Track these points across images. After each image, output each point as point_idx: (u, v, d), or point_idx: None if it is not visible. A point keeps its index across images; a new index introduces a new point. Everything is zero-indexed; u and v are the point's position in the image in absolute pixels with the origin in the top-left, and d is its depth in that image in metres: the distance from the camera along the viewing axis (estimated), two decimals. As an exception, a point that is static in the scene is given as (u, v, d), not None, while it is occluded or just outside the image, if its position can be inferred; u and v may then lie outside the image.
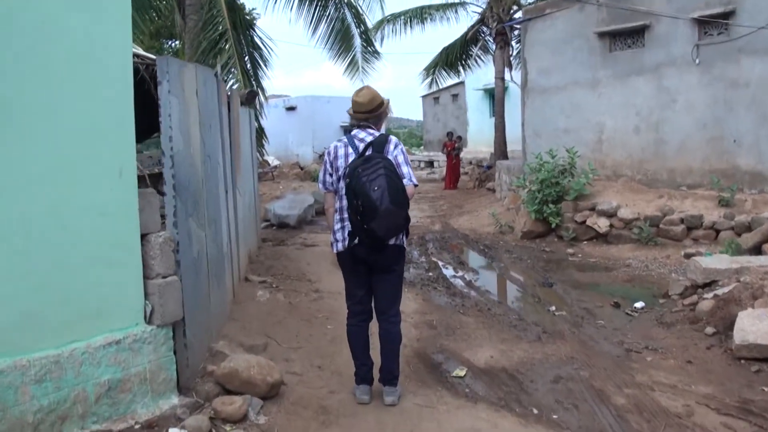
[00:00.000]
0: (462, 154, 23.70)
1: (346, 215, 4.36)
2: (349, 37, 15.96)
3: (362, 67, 16.68)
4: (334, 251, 4.51)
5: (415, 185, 4.38)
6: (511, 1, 19.90)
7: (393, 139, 4.45)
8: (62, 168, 3.52)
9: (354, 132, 4.51)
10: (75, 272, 3.60)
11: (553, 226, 11.22)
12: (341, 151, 4.43)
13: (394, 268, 4.48)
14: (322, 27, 15.66)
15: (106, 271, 3.74)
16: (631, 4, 12.00)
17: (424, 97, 37.06)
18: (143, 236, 4.00)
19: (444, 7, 21.25)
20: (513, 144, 21.09)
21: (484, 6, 20.85)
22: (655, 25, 11.82)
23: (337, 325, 6.01)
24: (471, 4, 21.17)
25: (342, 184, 4.35)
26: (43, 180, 3.44)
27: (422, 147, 42.51)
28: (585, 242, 10.89)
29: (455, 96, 33.75)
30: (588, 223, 10.95)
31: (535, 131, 14.04)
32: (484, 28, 21.44)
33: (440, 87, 24.79)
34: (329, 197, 4.55)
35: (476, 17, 21.26)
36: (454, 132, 24.89)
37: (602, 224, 10.76)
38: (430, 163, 31.20)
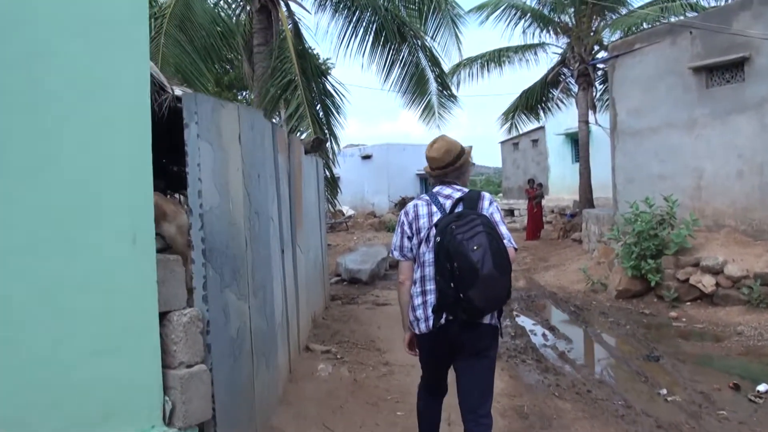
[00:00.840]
0: (543, 202, 22.49)
1: (430, 287, 3.56)
2: (423, 81, 15.25)
3: (438, 112, 15.91)
4: (416, 332, 3.65)
5: (516, 249, 3.59)
6: (593, 40, 18.94)
7: (486, 195, 3.71)
8: (57, 235, 2.73)
9: (437, 189, 3.77)
10: (73, 365, 2.77)
11: (653, 284, 10.00)
12: (423, 210, 3.69)
13: (488, 353, 3.60)
14: (396, 71, 15.01)
15: (114, 361, 2.92)
16: (729, 34, 10.92)
17: (502, 142, 36.11)
18: (163, 315, 3.20)
19: (522, 49, 20.37)
20: (598, 191, 19.98)
21: (564, 47, 19.95)
22: (755, 57, 10.62)
23: (408, 411, 5.02)
24: (551, 45, 20.27)
25: (424, 248, 3.62)
26: (34, 251, 2.65)
27: (500, 194, 41.41)
28: (688, 303, 9.65)
29: (535, 141, 32.69)
30: (691, 281, 9.70)
31: (627, 177, 12.89)
32: (565, 70, 20.52)
33: (520, 132, 23.80)
34: (406, 267, 3.73)
35: (556, 58, 20.36)
36: (535, 179, 23.71)
37: (707, 283, 9.51)
38: (510, 212, 30.01)
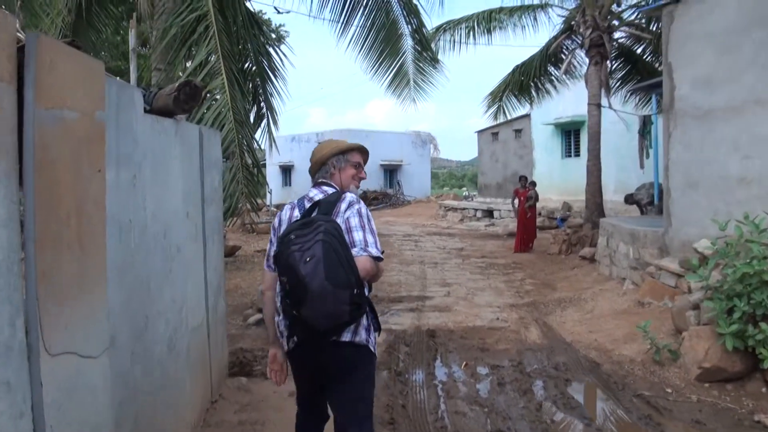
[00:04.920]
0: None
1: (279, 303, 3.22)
2: (396, 35, 11.03)
3: (414, 81, 11.72)
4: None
5: (377, 258, 3.00)
6: (611, 1, 14.86)
7: (349, 196, 3.22)
8: None
9: (309, 192, 3.37)
10: None
11: (765, 365, 5.89)
12: (286, 215, 3.34)
13: (354, 377, 3.07)
14: (358, 20, 10.81)
15: None
16: None
17: (479, 132, 32.06)
18: None
19: (520, 11, 16.19)
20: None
21: (569, 12, 15.91)
22: None
23: None
24: (555, 6, 16.13)
25: None
26: None
27: (466, 192, 37.47)
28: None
29: (518, 131, 28.66)
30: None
31: (689, 180, 8.80)
32: (568, 42, 16.52)
33: (508, 118, 19.59)
34: (267, 277, 3.36)
35: (560, 26, 16.32)
36: (527, 176, 19.12)
37: None
38: (489, 213, 25.76)
